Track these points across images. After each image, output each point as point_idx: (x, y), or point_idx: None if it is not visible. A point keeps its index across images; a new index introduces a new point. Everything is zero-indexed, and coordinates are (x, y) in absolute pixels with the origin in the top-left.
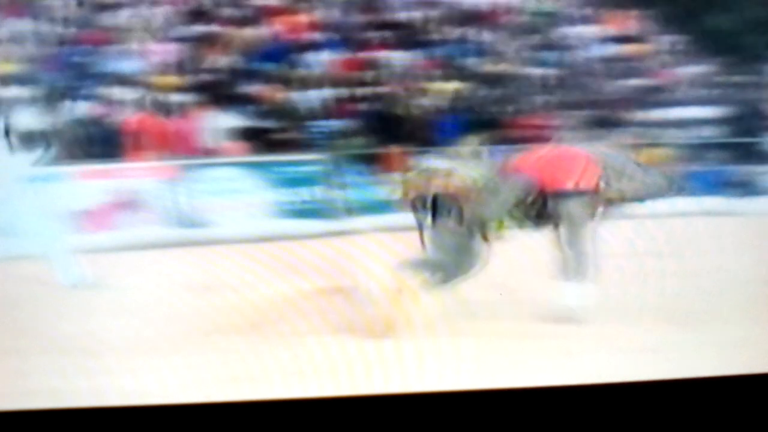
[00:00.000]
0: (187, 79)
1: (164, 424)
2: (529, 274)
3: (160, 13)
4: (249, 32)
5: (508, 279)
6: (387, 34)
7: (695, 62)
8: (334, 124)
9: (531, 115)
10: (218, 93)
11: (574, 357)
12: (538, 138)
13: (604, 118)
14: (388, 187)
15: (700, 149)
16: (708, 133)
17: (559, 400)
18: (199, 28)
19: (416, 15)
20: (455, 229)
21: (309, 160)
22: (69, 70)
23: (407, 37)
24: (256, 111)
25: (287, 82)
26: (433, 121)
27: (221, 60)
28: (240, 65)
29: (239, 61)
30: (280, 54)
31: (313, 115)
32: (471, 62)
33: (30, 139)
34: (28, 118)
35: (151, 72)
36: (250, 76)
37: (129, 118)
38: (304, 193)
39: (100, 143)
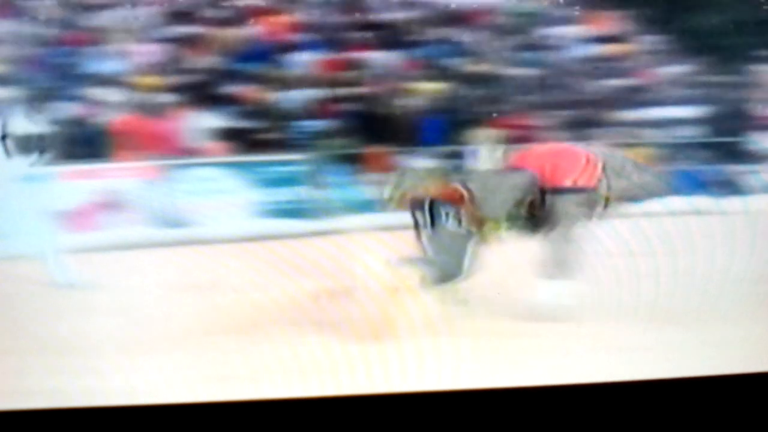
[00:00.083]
0: (170, 80)
1: (153, 424)
2: (526, 273)
3: (142, 14)
4: (231, 33)
5: (506, 278)
6: (369, 34)
7: (677, 62)
8: (317, 124)
9: (513, 115)
10: (201, 93)
11: (566, 356)
12: (521, 138)
13: (587, 118)
14: (374, 187)
15: (683, 149)
16: (691, 132)
17: (553, 400)
18: (182, 29)
19: (399, 16)
20: (454, 230)
21: (292, 160)
22: (51, 71)
23: (389, 37)
24: (239, 111)
25: (270, 83)
26: (416, 122)
27: (204, 60)
28: (223, 66)
29: (222, 61)
30: (263, 54)
31: (296, 115)
32: (453, 63)
33: (27, 143)
34: (24, 122)
35: (133, 72)
36: (233, 76)
37: (114, 118)
38: (287, 193)
39: (84, 144)
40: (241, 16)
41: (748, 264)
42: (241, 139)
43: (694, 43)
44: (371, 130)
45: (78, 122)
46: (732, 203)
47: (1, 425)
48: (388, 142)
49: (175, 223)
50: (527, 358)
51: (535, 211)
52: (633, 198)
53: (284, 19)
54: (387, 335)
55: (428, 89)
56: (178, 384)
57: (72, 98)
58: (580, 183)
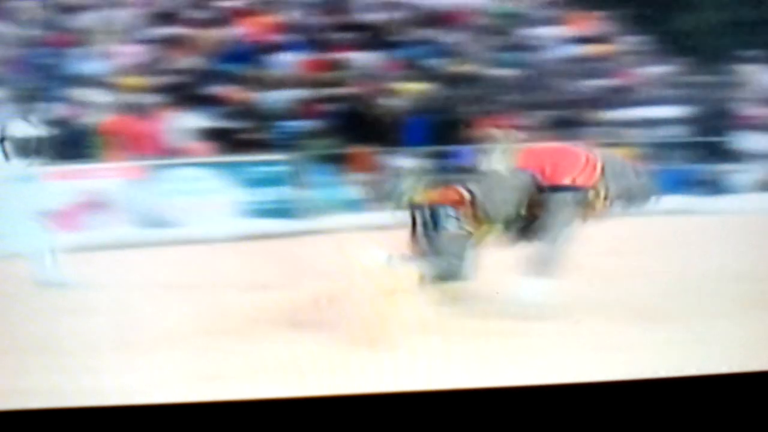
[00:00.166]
0: (155, 80)
1: (139, 423)
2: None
3: (126, 15)
4: (215, 33)
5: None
6: (353, 35)
7: (660, 62)
8: (302, 124)
9: (497, 115)
10: (185, 94)
11: (556, 356)
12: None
13: (570, 118)
14: (358, 186)
15: (666, 148)
16: (674, 132)
17: (545, 399)
18: (166, 30)
19: (382, 16)
20: (454, 232)
21: (276, 160)
22: (35, 72)
23: (373, 38)
24: (223, 112)
25: (255, 83)
26: (400, 122)
27: (188, 61)
28: (207, 66)
29: (206, 62)
30: (247, 55)
31: (281, 115)
32: (437, 63)
33: (25, 146)
34: (23, 125)
35: (117, 73)
36: (218, 77)
37: (98, 119)
38: (271, 193)
39: (69, 144)
40: (224, 17)
41: (726, 263)
42: (225, 140)
43: (677, 43)
44: (355, 130)
45: (63, 123)
46: (715, 202)
47: None
48: (371, 142)
49: (160, 223)
50: (520, 357)
51: (533, 211)
52: (630, 201)
53: (268, 19)
54: (377, 335)
55: (411, 90)
56: (166, 383)
57: (56, 99)
58: (579, 182)
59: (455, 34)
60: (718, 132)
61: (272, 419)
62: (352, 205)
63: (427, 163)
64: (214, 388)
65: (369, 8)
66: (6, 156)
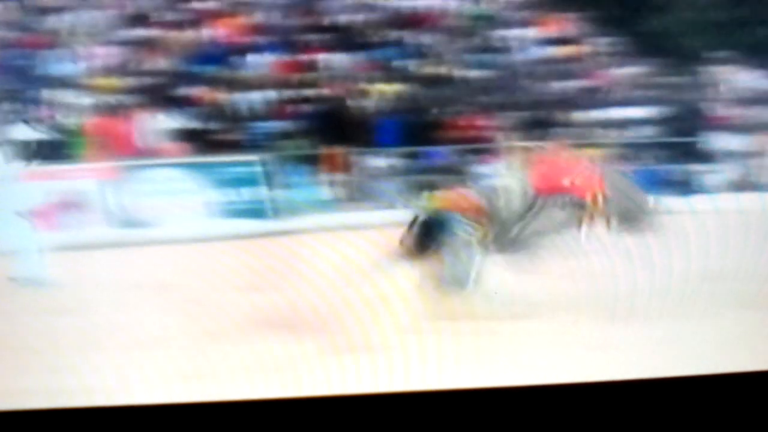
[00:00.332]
0: (129, 82)
1: (121, 424)
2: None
3: (99, 17)
4: (189, 35)
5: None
6: (327, 36)
7: (632, 63)
8: (276, 125)
9: (471, 116)
10: (160, 95)
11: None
12: (479, 139)
13: (543, 119)
14: (330, 186)
15: (638, 149)
16: (647, 132)
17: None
18: (139, 32)
19: (356, 18)
20: (463, 241)
21: (250, 161)
22: (11, 74)
23: (347, 39)
24: (198, 113)
25: (229, 84)
26: (374, 123)
27: (162, 62)
28: (181, 68)
29: (180, 63)
30: (221, 56)
31: (255, 116)
32: (411, 64)
33: (26, 149)
34: (24, 129)
35: (91, 75)
36: (192, 78)
37: (74, 120)
38: (245, 194)
39: (46, 145)
40: (197, 19)
41: (706, 263)
42: (199, 140)
43: (649, 44)
44: (328, 131)
45: (41, 124)
46: (688, 202)
47: None
48: (345, 143)
49: (135, 223)
50: (515, 357)
51: (531, 215)
52: (628, 218)
53: (241, 21)
54: (356, 336)
55: (384, 91)
56: (142, 383)
57: (30, 101)
58: (576, 190)
59: (429, 35)
60: (691, 132)
61: (250, 420)
62: (326, 205)
63: (401, 163)
64: (193, 388)
65: (342, 10)
66: (7, 158)
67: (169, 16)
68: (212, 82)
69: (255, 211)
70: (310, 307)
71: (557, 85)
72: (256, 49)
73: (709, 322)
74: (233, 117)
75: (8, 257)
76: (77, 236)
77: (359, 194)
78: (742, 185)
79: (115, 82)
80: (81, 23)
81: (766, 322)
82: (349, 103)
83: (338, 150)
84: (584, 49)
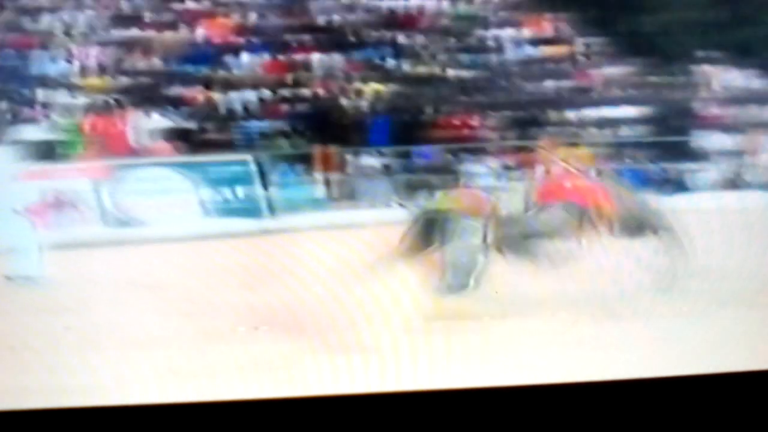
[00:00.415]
0: (121, 81)
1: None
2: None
3: (89, 17)
4: (180, 35)
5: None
6: (315, 36)
7: (619, 63)
8: (266, 124)
9: (463, 115)
10: (151, 94)
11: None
12: (471, 138)
13: (531, 118)
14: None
15: (626, 148)
16: (634, 132)
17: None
18: (131, 32)
19: (344, 18)
20: (470, 243)
21: (244, 160)
22: (3, 73)
23: (336, 39)
24: (189, 112)
25: (220, 84)
26: (363, 122)
27: (152, 62)
28: (172, 67)
29: (171, 63)
30: (212, 56)
31: (246, 115)
32: (399, 64)
33: (38, 149)
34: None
35: (83, 74)
36: (183, 77)
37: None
38: (236, 193)
39: (40, 144)
40: (187, 19)
41: (695, 261)
42: (190, 139)
43: (636, 43)
44: (321, 130)
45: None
46: (676, 201)
47: None
48: (338, 142)
49: (126, 222)
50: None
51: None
52: (630, 225)
53: (231, 21)
54: (349, 336)
55: (376, 90)
56: (135, 382)
57: (21, 101)
58: (579, 196)
59: (417, 35)
60: (678, 131)
61: (246, 420)
62: (321, 204)
63: (394, 162)
64: (189, 387)
65: (332, 10)
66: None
67: (160, 16)
68: (204, 81)
69: (249, 210)
70: (305, 307)
71: (547, 85)
72: (248, 48)
73: (708, 321)
74: (225, 116)
75: (5, 256)
76: (71, 235)
77: (353, 193)
78: (732, 184)
79: (106, 81)
80: (71, 23)
81: (764, 321)
82: (342, 102)
83: (331, 149)
84: (574, 48)
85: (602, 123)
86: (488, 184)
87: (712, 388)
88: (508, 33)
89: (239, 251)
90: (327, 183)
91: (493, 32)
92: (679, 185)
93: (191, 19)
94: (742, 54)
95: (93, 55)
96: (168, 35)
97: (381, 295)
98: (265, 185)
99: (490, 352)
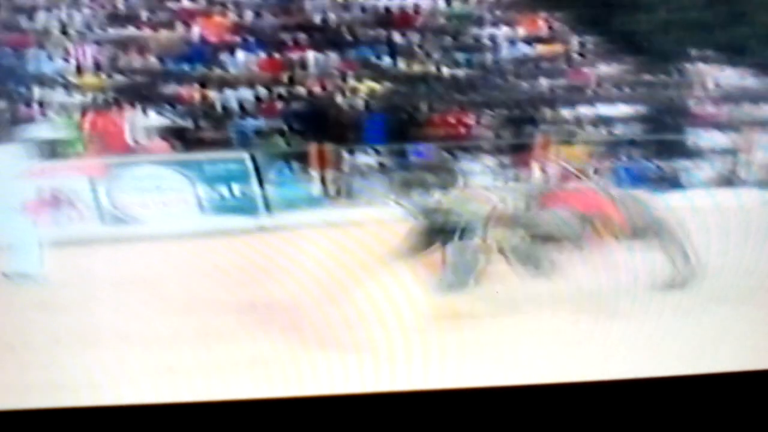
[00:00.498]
0: (118, 79)
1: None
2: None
3: (84, 15)
4: (176, 33)
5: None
6: (311, 34)
7: (613, 61)
8: (262, 122)
9: (454, 113)
10: (147, 93)
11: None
12: (463, 136)
13: (525, 117)
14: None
15: (623, 146)
16: (628, 130)
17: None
18: (126, 31)
19: (340, 16)
20: (474, 243)
21: (241, 158)
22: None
23: (331, 37)
24: (185, 110)
25: (216, 82)
26: (359, 120)
27: (148, 61)
28: (168, 66)
29: (167, 61)
30: (208, 54)
31: (242, 113)
32: (394, 62)
33: (48, 147)
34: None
35: (76, 73)
36: (179, 76)
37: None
38: (231, 190)
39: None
40: (183, 18)
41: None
42: (186, 137)
43: (630, 42)
44: (314, 128)
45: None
46: (672, 198)
47: None
48: (331, 140)
49: (125, 220)
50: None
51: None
52: (636, 233)
53: (226, 20)
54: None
55: (371, 88)
56: (132, 380)
57: (17, 99)
58: (584, 203)
59: (415, 33)
60: (673, 129)
61: (242, 420)
62: (317, 202)
63: (389, 161)
64: (184, 386)
65: (327, 9)
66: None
67: (156, 15)
68: (200, 79)
69: (245, 208)
70: (301, 305)
71: (542, 83)
72: (244, 46)
73: (704, 319)
74: (222, 114)
75: (2, 253)
76: (68, 233)
77: (349, 191)
78: (727, 181)
79: (103, 80)
80: (68, 21)
81: (763, 319)
82: (337, 100)
83: (327, 147)
84: (569, 47)
85: (597, 121)
86: (485, 182)
87: (712, 387)
88: (503, 31)
89: (235, 249)
90: (323, 181)
91: (488, 30)
92: (674, 183)
93: (187, 17)
94: (736, 52)
95: (89, 53)
96: (164, 34)
97: (379, 294)
98: (261, 183)
99: (490, 351)
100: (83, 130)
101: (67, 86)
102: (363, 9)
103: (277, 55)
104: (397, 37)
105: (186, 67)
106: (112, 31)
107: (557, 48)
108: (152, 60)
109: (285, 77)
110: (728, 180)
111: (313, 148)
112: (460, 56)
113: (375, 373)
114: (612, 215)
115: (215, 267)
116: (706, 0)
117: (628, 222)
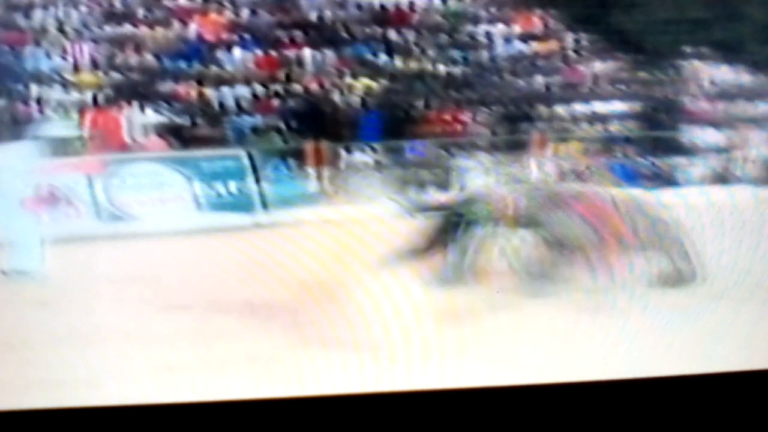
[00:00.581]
0: (115, 77)
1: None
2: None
3: (82, 13)
4: (172, 31)
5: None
6: (307, 32)
7: (610, 58)
8: (259, 119)
9: (450, 111)
10: (143, 90)
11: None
12: (459, 133)
13: (520, 114)
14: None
15: (618, 143)
16: (623, 126)
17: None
18: (122, 29)
19: (336, 14)
20: (477, 239)
21: (234, 155)
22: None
23: (327, 35)
24: (182, 108)
25: (212, 80)
26: (355, 117)
27: (145, 58)
28: (165, 63)
29: (164, 59)
30: (204, 52)
31: (238, 110)
32: (390, 60)
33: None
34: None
35: (73, 71)
36: (175, 73)
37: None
38: (228, 187)
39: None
40: (179, 16)
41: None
42: (182, 135)
43: (626, 39)
44: (311, 125)
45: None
46: (666, 195)
47: None
48: (327, 137)
49: (122, 217)
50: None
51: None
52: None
53: (222, 18)
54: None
55: (366, 86)
56: (128, 378)
57: (14, 97)
58: (590, 214)
59: (411, 31)
60: (668, 127)
61: (240, 420)
62: (310, 199)
63: (385, 158)
64: (180, 384)
65: (322, 6)
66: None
67: (153, 13)
68: (196, 77)
69: (242, 205)
70: (297, 301)
71: (537, 80)
72: (240, 44)
73: (703, 317)
74: (217, 111)
75: (2, 250)
76: (65, 230)
77: (345, 188)
78: (722, 178)
79: (100, 77)
80: (65, 19)
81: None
82: (333, 97)
83: (323, 144)
84: (564, 44)
85: (592, 118)
86: (482, 180)
87: (711, 387)
88: (498, 29)
89: (232, 246)
90: (319, 178)
91: (483, 28)
92: (668, 180)
93: (184, 15)
94: (731, 50)
95: (86, 51)
96: (161, 31)
97: (378, 291)
98: (257, 180)
99: (489, 351)
100: (81, 127)
101: (65, 84)
102: (359, 6)
103: (273, 53)
104: (393, 35)
105: (183, 64)
106: (109, 29)
107: (553, 45)
108: (149, 58)
109: (281, 75)
110: (723, 177)
111: (309, 145)
112: (456, 53)
113: (374, 373)
114: (619, 228)
115: (212, 264)
116: None
117: (633, 234)
